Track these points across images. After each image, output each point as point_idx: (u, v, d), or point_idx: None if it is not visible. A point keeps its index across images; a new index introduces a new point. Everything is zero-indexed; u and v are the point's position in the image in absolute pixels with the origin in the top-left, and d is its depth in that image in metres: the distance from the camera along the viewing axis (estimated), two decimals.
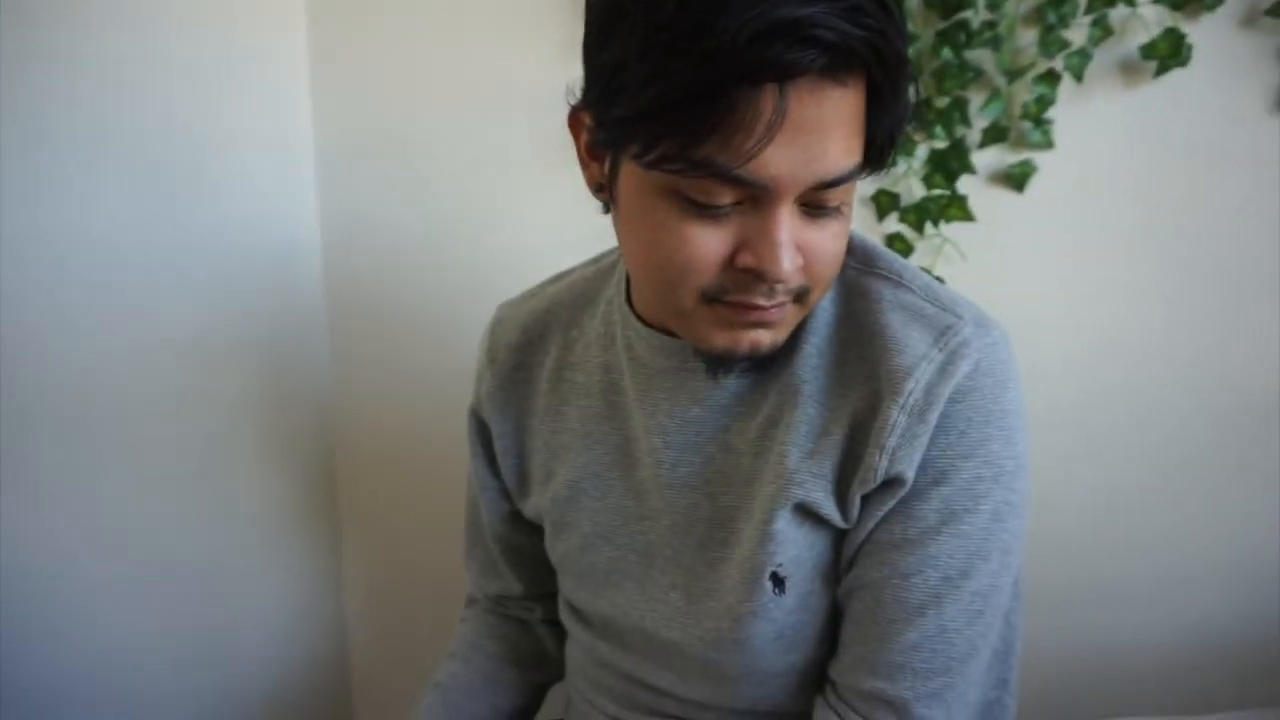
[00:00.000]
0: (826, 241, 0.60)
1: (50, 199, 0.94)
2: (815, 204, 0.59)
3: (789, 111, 0.53)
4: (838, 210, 0.60)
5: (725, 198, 0.57)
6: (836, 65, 0.53)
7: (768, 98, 0.53)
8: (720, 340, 0.63)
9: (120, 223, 1.01)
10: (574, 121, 0.65)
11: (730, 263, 0.59)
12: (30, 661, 0.95)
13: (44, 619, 0.97)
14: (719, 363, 0.67)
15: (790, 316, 0.64)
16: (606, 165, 0.63)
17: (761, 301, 0.60)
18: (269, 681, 1.24)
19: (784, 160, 0.55)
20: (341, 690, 1.37)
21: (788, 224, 0.57)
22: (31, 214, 0.92)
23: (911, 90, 0.59)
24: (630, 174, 0.60)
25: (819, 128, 0.55)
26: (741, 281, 0.59)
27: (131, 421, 1.04)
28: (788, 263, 0.58)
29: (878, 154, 0.60)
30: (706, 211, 0.57)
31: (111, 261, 1.00)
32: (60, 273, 0.96)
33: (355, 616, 1.37)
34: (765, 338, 0.63)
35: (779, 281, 0.58)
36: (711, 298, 0.61)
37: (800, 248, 0.59)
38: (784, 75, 0.52)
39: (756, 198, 0.57)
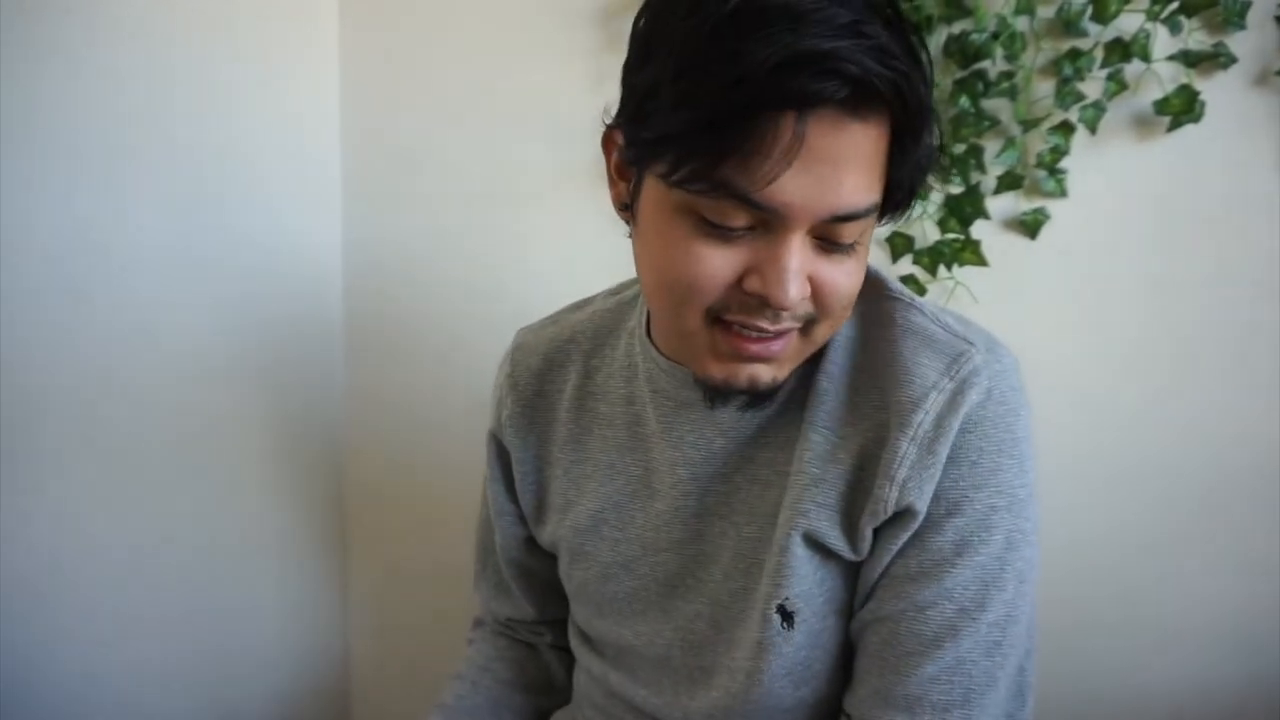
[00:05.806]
0: (839, 277, 0.61)
1: (73, 210, 0.95)
2: (829, 238, 0.60)
3: (807, 139, 0.55)
4: (852, 248, 0.61)
5: (739, 220, 0.58)
6: (858, 99, 0.55)
7: (787, 124, 0.55)
8: (717, 371, 0.64)
9: (143, 235, 1.02)
10: (607, 140, 0.67)
11: (738, 285, 0.60)
12: (29, 674, 0.95)
13: (46, 633, 0.96)
14: (716, 394, 0.67)
15: (794, 351, 0.64)
16: (632, 183, 0.65)
17: (765, 325, 0.61)
18: (270, 702, 1.23)
19: (799, 188, 0.56)
20: (342, 711, 1.36)
21: (797, 253, 0.58)
22: (55, 224, 0.93)
23: (934, 137, 0.61)
24: (652, 191, 0.61)
25: (836, 159, 0.56)
26: (746, 303, 0.60)
27: (142, 436, 1.04)
28: (794, 290, 0.58)
29: (898, 199, 0.62)
30: (719, 232, 0.59)
31: (131, 273, 1.01)
32: (79, 283, 0.96)
33: (359, 633, 1.36)
34: (765, 373, 0.64)
35: (783, 308, 0.59)
36: (715, 316, 0.62)
37: (811, 279, 0.60)
38: (804, 103, 0.54)
39: (769, 223, 0.58)
